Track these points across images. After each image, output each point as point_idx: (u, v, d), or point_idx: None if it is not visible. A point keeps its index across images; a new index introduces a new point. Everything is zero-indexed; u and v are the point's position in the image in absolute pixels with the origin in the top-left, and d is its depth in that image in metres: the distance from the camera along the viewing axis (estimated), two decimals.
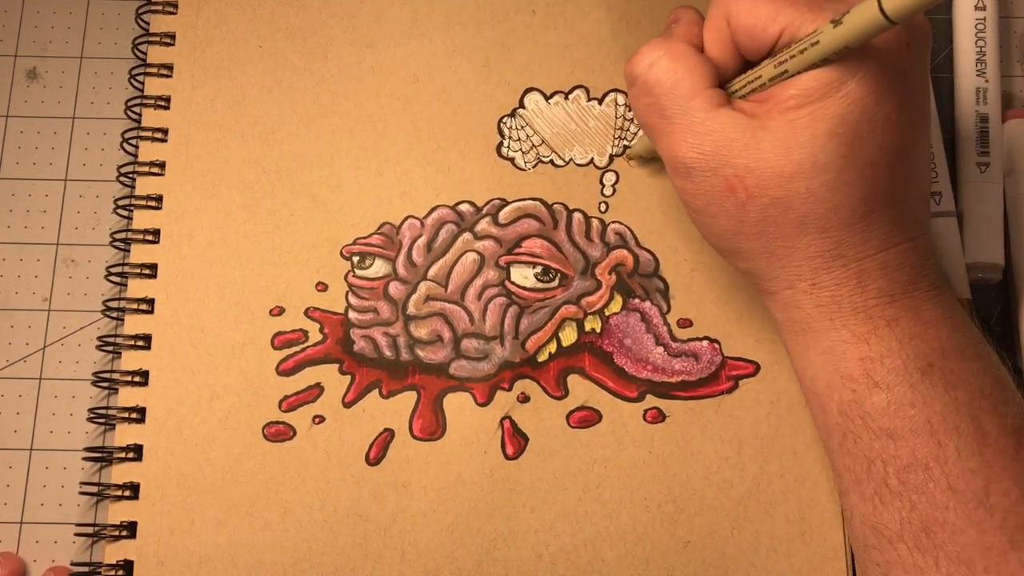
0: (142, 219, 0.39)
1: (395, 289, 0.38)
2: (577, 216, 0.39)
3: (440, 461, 0.36)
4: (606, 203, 0.39)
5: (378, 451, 0.37)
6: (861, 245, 0.29)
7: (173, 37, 0.41)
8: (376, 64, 0.41)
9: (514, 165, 0.39)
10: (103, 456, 0.37)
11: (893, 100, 0.28)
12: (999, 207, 0.39)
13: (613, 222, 0.39)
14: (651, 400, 0.37)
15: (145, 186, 0.39)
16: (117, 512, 0.36)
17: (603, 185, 0.39)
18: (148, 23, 0.41)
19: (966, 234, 0.39)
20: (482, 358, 0.37)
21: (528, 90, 0.40)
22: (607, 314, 0.38)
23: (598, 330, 0.38)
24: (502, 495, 0.36)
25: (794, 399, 0.37)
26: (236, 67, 0.41)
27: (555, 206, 0.39)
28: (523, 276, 0.38)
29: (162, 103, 0.40)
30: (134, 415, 0.37)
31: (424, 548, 0.36)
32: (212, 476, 0.36)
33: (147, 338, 0.38)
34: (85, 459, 0.37)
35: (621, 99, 0.40)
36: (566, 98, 0.40)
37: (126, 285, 0.38)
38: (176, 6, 0.41)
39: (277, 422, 0.37)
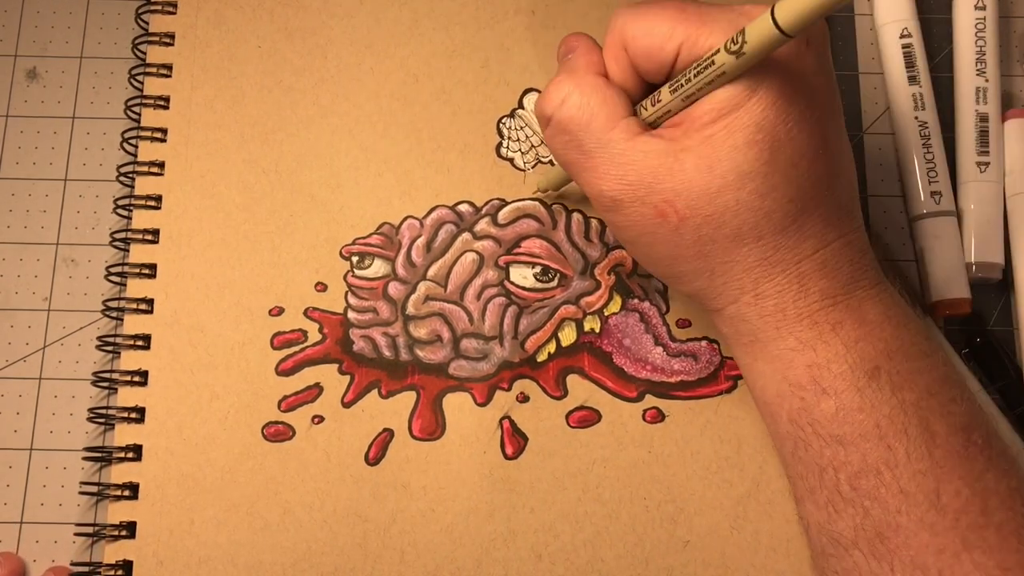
0: (142, 219, 0.39)
1: (394, 289, 0.38)
2: (576, 216, 0.39)
3: (439, 461, 0.36)
4: None
5: (377, 451, 0.37)
6: (798, 247, 0.29)
7: (172, 37, 0.41)
8: (376, 64, 0.41)
9: (513, 165, 0.39)
10: (103, 456, 0.37)
11: (803, 98, 0.29)
12: (999, 207, 0.39)
13: None
14: (650, 400, 0.37)
15: (144, 186, 0.39)
16: (117, 512, 0.36)
17: None
18: (148, 23, 0.41)
19: (966, 234, 0.39)
20: (481, 358, 0.37)
21: (527, 90, 0.40)
22: (606, 314, 0.38)
23: (597, 330, 0.38)
24: (501, 495, 0.36)
25: None
26: (235, 67, 0.41)
27: (554, 206, 0.39)
28: (522, 276, 0.38)
29: (161, 103, 0.40)
30: (134, 415, 0.37)
31: (424, 548, 0.36)
32: (212, 476, 0.36)
33: (147, 338, 0.38)
34: (85, 459, 0.37)
35: None
36: None
37: (126, 285, 0.38)
38: (176, 6, 0.41)
39: (276, 422, 0.37)
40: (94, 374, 0.38)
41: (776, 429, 0.31)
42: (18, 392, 0.38)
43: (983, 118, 0.40)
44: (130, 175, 0.40)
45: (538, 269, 0.38)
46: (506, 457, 0.36)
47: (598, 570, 0.35)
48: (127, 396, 0.37)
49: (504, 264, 0.38)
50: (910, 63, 0.40)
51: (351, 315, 0.38)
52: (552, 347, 0.38)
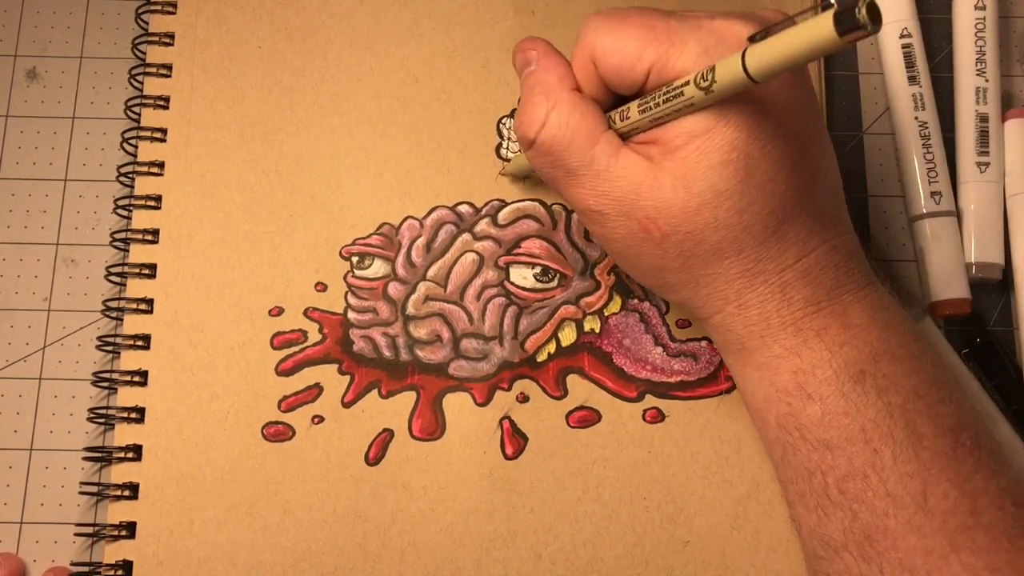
0: (141, 219, 0.39)
1: (394, 289, 0.38)
2: (576, 217, 0.39)
3: (439, 461, 0.36)
4: None
5: (377, 451, 0.37)
6: (779, 258, 0.29)
7: (172, 37, 0.41)
8: (375, 64, 0.41)
9: None
10: (103, 456, 0.37)
11: (776, 112, 0.29)
12: (999, 207, 0.39)
13: None
14: (650, 400, 0.37)
15: (144, 186, 0.39)
16: (117, 512, 0.36)
17: None
18: (147, 23, 0.41)
19: (966, 234, 0.39)
20: (481, 358, 0.37)
21: None
22: (606, 314, 0.38)
23: (597, 330, 0.38)
24: (501, 495, 0.36)
25: None
26: (235, 67, 0.41)
27: (554, 207, 0.39)
28: (522, 276, 0.38)
29: (161, 103, 0.40)
30: (133, 415, 0.37)
31: (423, 548, 0.36)
32: (211, 476, 0.36)
33: (146, 338, 0.38)
34: (85, 459, 0.37)
35: None
36: None
37: (126, 285, 0.38)
38: (175, 6, 0.41)
39: (276, 422, 0.37)
40: (94, 374, 0.38)
41: (766, 434, 0.31)
42: (18, 392, 0.38)
43: (983, 118, 0.40)
44: (130, 175, 0.40)
45: (538, 269, 0.38)
46: (506, 457, 0.36)
47: (598, 570, 0.35)
48: (127, 396, 0.37)
49: (504, 264, 0.38)
50: (910, 63, 0.40)
51: (351, 315, 0.38)
52: (552, 347, 0.38)
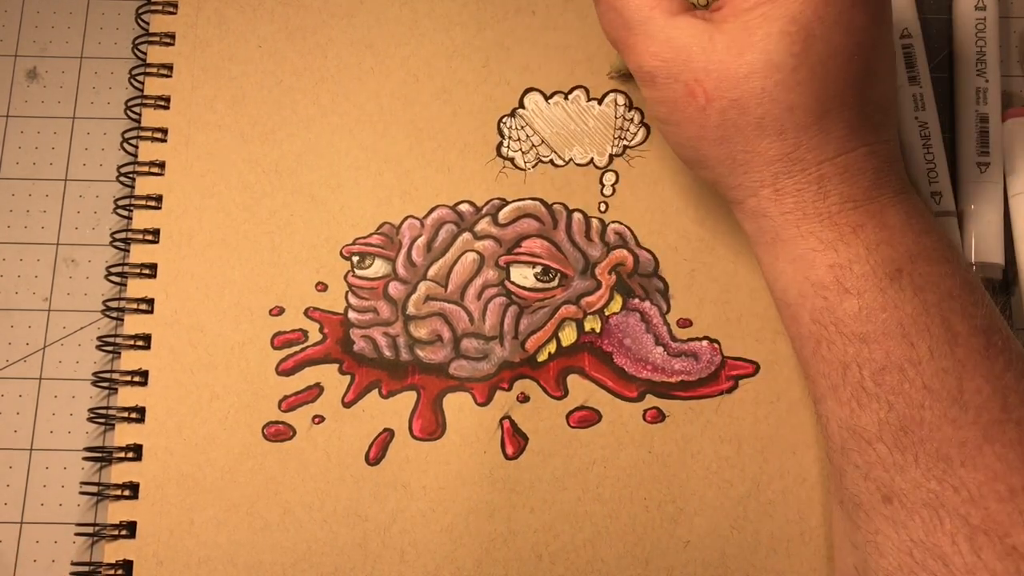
0: (142, 219, 0.39)
1: (395, 289, 0.38)
2: (577, 216, 0.39)
3: (440, 461, 0.36)
4: (606, 203, 0.39)
5: (378, 451, 0.37)
6: (819, 149, 0.30)
7: (173, 37, 0.41)
8: (376, 64, 0.41)
9: (514, 165, 0.39)
10: (103, 456, 0.37)
11: (846, 2, 0.29)
12: (999, 207, 0.39)
13: (613, 222, 0.39)
14: (651, 400, 0.37)
15: (145, 186, 0.39)
16: (117, 512, 0.36)
17: (603, 185, 0.39)
18: (148, 23, 0.41)
19: (966, 234, 0.39)
20: (482, 358, 0.37)
21: (528, 90, 0.40)
22: (607, 314, 0.38)
23: (598, 330, 0.38)
24: (502, 495, 0.36)
25: (794, 399, 0.37)
26: (236, 67, 0.41)
27: (555, 206, 0.39)
28: (523, 276, 0.38)
29: (162, 103, 0.40)
30: (134, 415, 0.37)
31: (424, 548, 0.36)
32: (212, 476, 0.36)
33: (147, 338, 0.38)
34: (85, 459, 0.37)
35: (621, 99, 0.40)
36: (566, 98, 0.40)
37: (126, 285, 0.38)
38: (176, 6, 0.41)
39: (277, 422, 0.37)
40: (94, 374, 0.38)
41: (798, 330, 0.31)
42: (18, 392, 0.38)
43: (983, 118, 0.40)
44: (130, 175, 0.40)
45: (539, 269, 0.38)
46: (506, 457, 0.36)
47: (598, 570, 0.35)
48: (127, 396, 0.37)
49: (505, 264, 0.38)
50: (910, 63, 0.40)
51: (351, 315, 0.38)
52: (552, 347, 0.38)
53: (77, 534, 0.37)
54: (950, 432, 0.28)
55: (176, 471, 0.36)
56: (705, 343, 0.38)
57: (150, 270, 0.38)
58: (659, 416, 0.37)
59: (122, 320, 0.38)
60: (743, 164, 0.31)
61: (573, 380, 0.37)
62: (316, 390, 0.37)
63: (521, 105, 0.40)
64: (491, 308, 0.38)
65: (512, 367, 0.37)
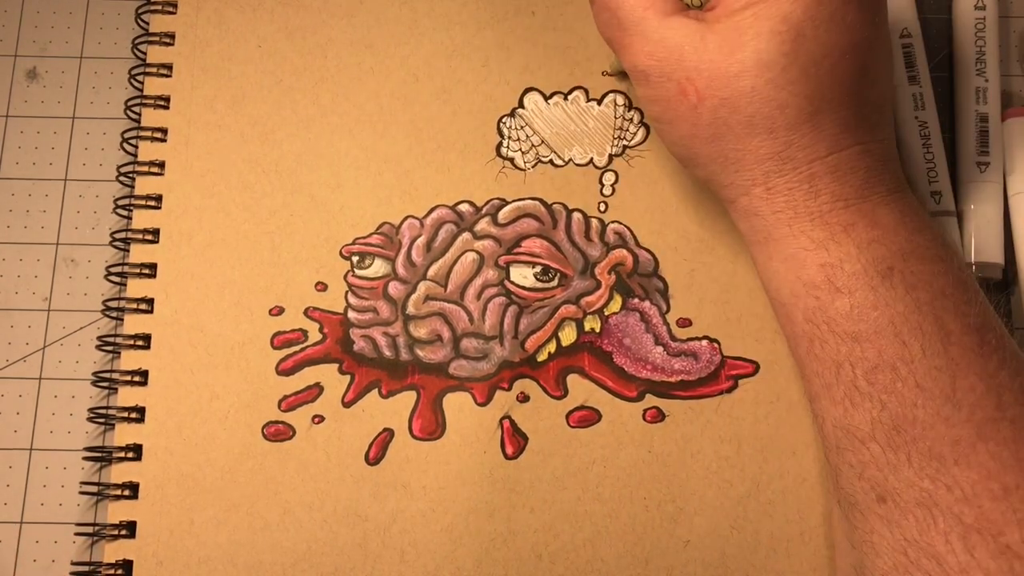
0: (142, 219, 0.39)
1: (394, 289, 0.38)
2: (576, 216, 0.39)
3: (439, 461, 0.36)
4: (605, 203, 0.39)
5: (377, 451, 0.37)
6: (810, 147, 0.30)
7: (173, 37, 0.41)
8: (376, 64, 0.41)
9: (514, 165, 0.40)
10: (103, 456, 0.37)
11: (838, 0, 0.29)
12: (999, 206, 0.39)
13: (612, 222, 0.39)
14: (650, 400, 0.37)
15: (145, 186, 0.39)
16: (117, 512, 0.36)
17: (602, 185, 0.39)
18: (148, 23, 0.41)
19: (966, 234, 0.39)
20: (481, 358, 0.37)
21: (527, 90, 0.40)
22: (606, 314, 0.38)
23: (597, 330, 0.38)
24: (502, 495, 0.36)
25: (794, 399, 0.37)
26: (235, 67, 0.41)
27: (554, 206, 0.39)
28: (522, 276, 0.38)
29: (162, 103, 0.40)
30: (134, 415, 0.37)
31: (424, 548, 0.36)
32: (212, 476, 0.36)
33: (147, 338, 0.38)
34: (85, 459, 0.37)
35: (620, 100, 0.40)
36: (565, 98, 0.40)
37: (126, 285, 0.38)
38: (176, 6, 0.41)
39: (277, 422, 0.37)
40: (94, 374, 0.38)
41: (792, 329, 0.32)
42: (18, 392, 0.38)
43: (983, 118, 0.40)
44: (130, 175, 0.40)
45: (538, 269, 0.38)
46: (506, 457, 0.36)
47: (598, 570, 0.35)
48: (127, 396, 0.37)
49: (504, 264, 0.38)
50: (910, 63, 0.40)
51: (351, 315, 0.38)
52: (552, 347, 0.38)
53: (77, 534, 0.37)
54: (943, 431, 0.28)
55: (176, 471, 0.36)
56: (705, 343, 0.38)
57: (150, 270, 0.38)
58: (659, 416, 0.37)
59: (122, 320, 0.38)
60: (735, 162, 0.31)
61: (573, 380, 0.37)
62: (316, 390, 0.37)
63: (521, 105, 0.40)
64: (491, 308, 0.38)
65: (512, 367, 0.37)
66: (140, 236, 0.39)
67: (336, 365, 0.37)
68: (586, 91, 0.40)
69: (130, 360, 0.37)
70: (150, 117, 0.40)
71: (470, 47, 0.41)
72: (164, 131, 0.40)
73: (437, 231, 0.39)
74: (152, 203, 0.39)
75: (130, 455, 0.36)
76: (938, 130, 0.40)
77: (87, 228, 0.40)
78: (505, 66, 0.41)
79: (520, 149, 0.40)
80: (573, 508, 0.36)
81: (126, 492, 0.36)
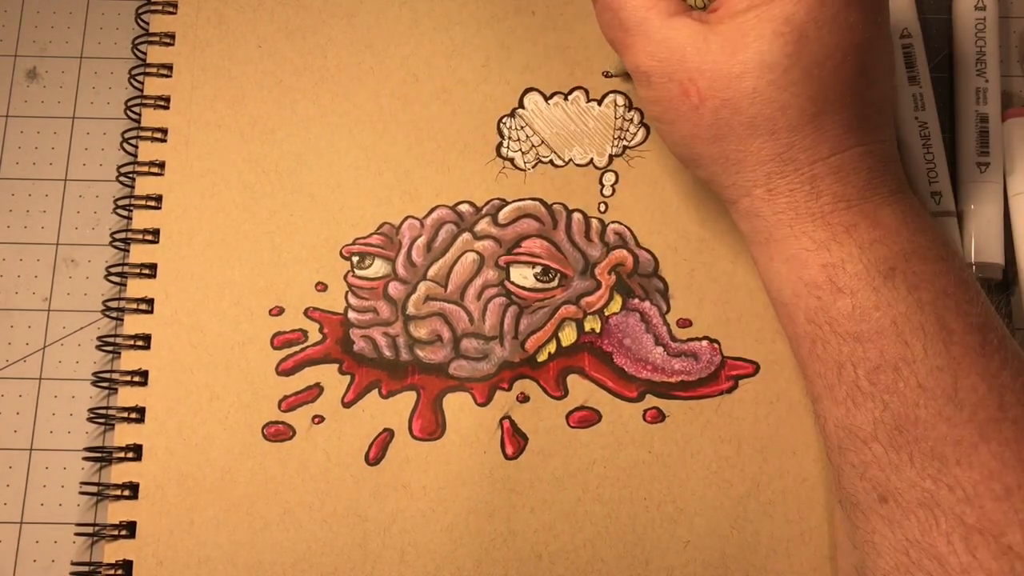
0: (142, 219, 0.39)
1: (395, 289, 0.38)
2: (577, 216, 0.39)
3: (439, 461, 0.36)
4: (605, 203, 0.39)
5: (377, 451, 0.37)
6: (812, 149, 0.30)
7: (173, 37, 0.41)
8: (376, 64, 0.41)
9: (514, 165, 0.40)
10: (103, 456, 0.37)
11: (841, 2, 0.29)
12: (999, 207, 0.39)
13: (613, 222, 0.39)
14: (651, 400, 0.37)
15: (145, 186, 0.39)
16: (117, 512, 0.36)
17: (602, 185, 0.39)
18: (148, 23, 0.41)
19: (966, 234, 0.39)
20: (482, 358, 0.37)
21: (528, 90, 0.40)
22: (607, 314, 0.38)
23: (598, 330, 0.38)
24: (502, 495, 0.36)
25: (794, 399, 0.37)
26: (236, 67, 0.41)
27: (555, 206, 0.39)
28: (523, 276, 0.38)
29: (162, 103, 0.40)
30: (134, 415, 0.37)
31: (423, 548, 0.36)
32: (212, 476, 0.36)
33: (147, 338, 0.38)
34: (85, 459, 0.37)
35: (620, 100, 0.40)
36: (565, 99, 0.40)
37: (126, 285, 0.38)
38: (176, 6, 0.41)
39: (277, 422, 0.37)
40: (94, 374, 0.38)
41: (793, 330, 0.32)
42: (18, 392, 0.38)
43: (983, 118, 0.40)
44: (130, 175, 0.40)
45: (538, 269, 0.38)
46: (506, 457, 0.36)
47: (598, 570, 0.35)
48: (127, 396, 0.37)
49: (504, 264, 0.38)
50: (910, 63, 0.40)
51: (351, 315, 0.38)
52: (552, 347, 0.38)
53: (77, 534, 0.37)
54: (945, 431, 0.28)
55: (176, 471, 0.36)
56: (705, 343, 0.38)
57: (150, 270, 0.38)
58: (659, 416, 0.37)
59: (122, 320, 0.38)
60: (736, 163, 0.31)
61: (573, 380, 0.37)
62: (316, 390, 0.37)
63: (521, 105, 0.40)
64: (491, 308, 0.38)
65: (512, 367, 0.37)
66: (140, 236, 0.39)
67: (336, 365, 0.37)
68: (586, 91, 0.40)
69: (130, 360, 0.37)
70: (150, 117, 0.40)
71: (470, 47, 0.41)
72: (164, 131, 0.40)
73: (437, 231, 0.39)
74: (152, 203, 0.39)
75: (130, 455, 0.36)
76: (938, 130, 0.40)
77: (87, 228, 0.40)
78: (505, 66, 0.41)
79: (520, 149, 0.40)
80: (573, 508, 0.36)
81: (126, 492, 0.36)
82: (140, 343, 0.38)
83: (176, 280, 0.38)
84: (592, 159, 0.40)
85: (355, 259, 0.38)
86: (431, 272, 0.38)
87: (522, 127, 0.40)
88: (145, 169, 0.39)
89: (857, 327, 0.29)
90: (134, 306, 0.38)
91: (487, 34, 0.41)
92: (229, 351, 0.37)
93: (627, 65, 0.33)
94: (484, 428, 0.37)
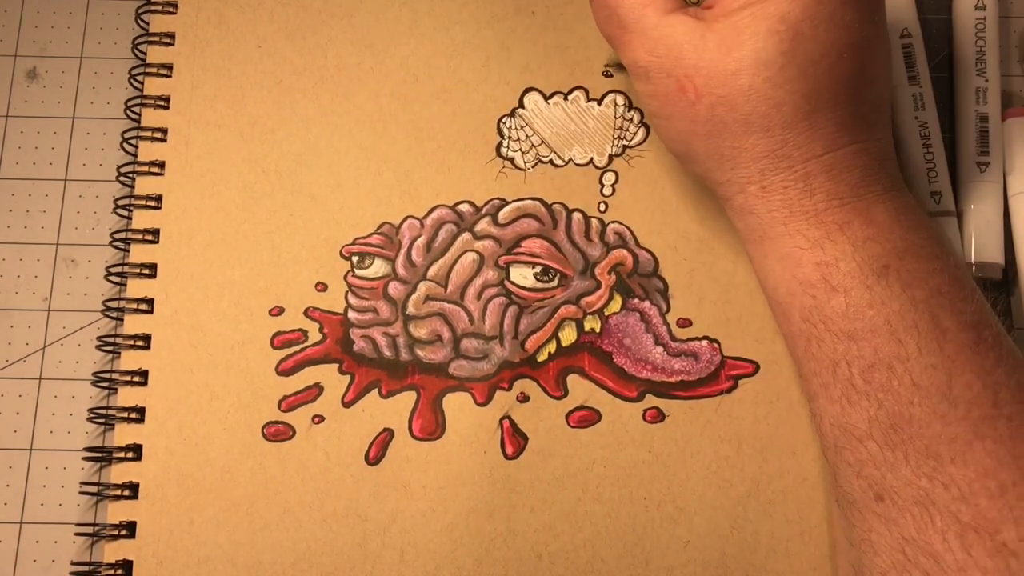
0: (142, 219, 0.39)
1: (394, 289, 0.38)
2: (576, 216, 0.39)
3: (439, 461, 0.36)
4: (605, 203, 0.39)
5: (377, 451, 0.37)
6: (806, 146, 0.30)
7: (173, 37, 0.41)
8: (376, 64, 0.41)
9: (514, 165, 0.40)
10: (103, 456, 0.37)
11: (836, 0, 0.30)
12: (999, 206, 0.39)
13: (612, 222, 0.39)
14: (650, 400, 0.37)
15: (145, 186, 0.39)
16: (117, 512, 0.36)
17: (602, 185, 0.39)
18: (148, 23, 0.41)
19: (966, 234, 0.39)
20: (481, 358, 0.37)
21: (528, 90, 0.40)
22: (606, 314, 0.38)
23: (597, 330, 0.38)
24: (502, 495, 0.36)
25: (794, 399, 0.37)
26: (235, 67, 0.41)
27: (554, 206, 0.39)
28: (522, 276, 0.38)
29: (162, 103, 0.40)
30: (133, 415, 0.37)
31: (423, 548, 0.36)
32: (211, 476, 0.36)
33: (147, 338, 0.38)
34: (85, 459, 0.37)
35: (620, 100, 0.40)
36: (565, 98, 0.40)
37: (126, 285, 0.38)
38: (176, 6, 0.41)
39: (276, 422, 0.37)
40: (94, 374, 0.38)
41: (788, 328, 0.32)
42: (18, 392, 0.38)
43: (983, 118, 0.40)
44: (130, 175, 0.40)
45: (538, 269, 0.38)
46: (506, 457, 0.36)
47: (598, 570, 0.35)
48: (127, 396, 0.37)
49: (504, 264, 0.38)
50: (910, 63, 0.40)
51: (351, 315, 0.38)
52: (552, 347, 0.38)
53: (77, 534, 0.37)
54: (939, 429, 0.28)
55: (176, 471, 0.36)
56: (705, 343, 0.38)
57: (150, 270, 0.38)
58: (659, 416, 0.37)
59: (122, 320, 0.38)
60: (731, 160, 0.31)
61: (573, 380, 0.37)
62: (316, 390, 0.37)
63: (521, 105, 0.40)
64: (491, 308, 0.38)
65: (512, 367, 0.37)
66: (140, 236, 0.39)
67: (336, 365, 0.37)
68: (586, 91, 0.40)
69: (130, 360, 0.37)
70: (150, 117, 0.40)
71: (470, 47, 0.41)
72: (164, 131, 0.40)
73: (437, 231, 0.39)
74: (152, 203, 0.39)
75: (130, 455, 0.36)
76: (938, 130, 0.40)
77: (87, 228, 0.40)
78: (505, 66, 0.41)
79: (520, 149, 0.40)
80: (573, 508, 0.36)
81: (126, 492, 0.36)
82: (140, 343, 0.38)
83: (176, 280, 0.38)
84: (592, 159, 0.40)
85: (355, 259, 0.38)
86: (431, 272, 0.38)
87: (522, 127, 0.40)
88: (145, 169, 0.39)
89: (851, 325, 0.29)
90: (134, 306, 0.38)
91: (487, 34, 0.41)
92: (229, 351, 0.37)
93: (624, 61, 0.33)
94: (484, 428, 0.37)
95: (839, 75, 0.30)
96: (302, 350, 0.37)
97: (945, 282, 0.29)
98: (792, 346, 0.32)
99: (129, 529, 0.36)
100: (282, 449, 0.37)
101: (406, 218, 0.39)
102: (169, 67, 0.41)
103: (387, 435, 0.37)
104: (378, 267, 0.38)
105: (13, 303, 0.39)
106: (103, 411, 0.37)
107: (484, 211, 0.39)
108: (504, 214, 0.39)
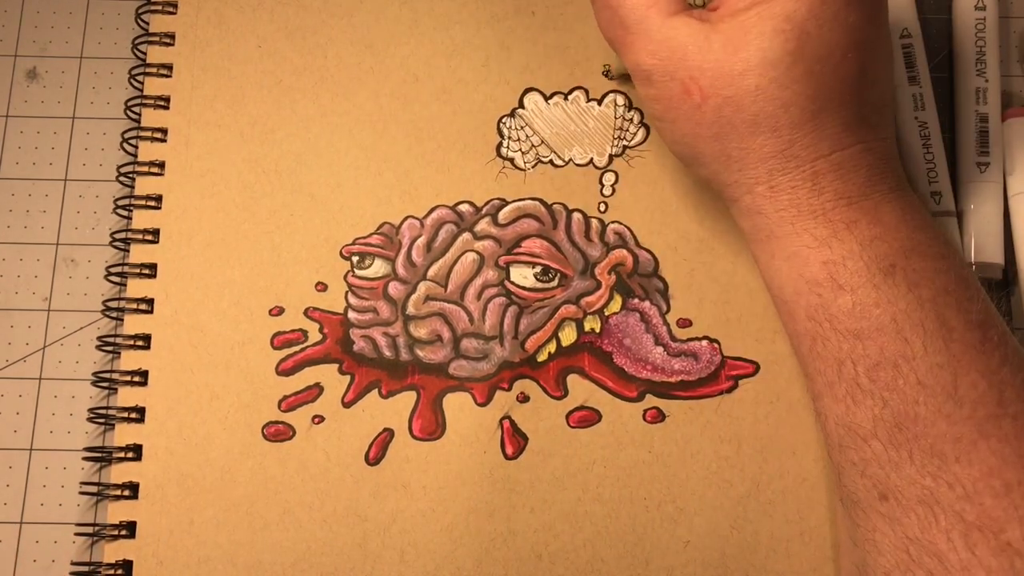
0: (142, 219, 0.39)
1: (395, 289, 0.38)
2: (576, 216, 0.39)
3: (439, 461, 0.36)
4: (605, 203, 0.39)
5: (377, 451, 0.37)
6: (813, 146, 0.30)
7: (173, 37, 0.41)
8: (376, 64, 0.41)
9: (514, 165, 0.40)
10: (103, 456, 0.37)
11: (841, 1, 0.30)
12: (999, 207, 0.39)
13: (613, 222, 0.39)
14: (651, 400, 0.37)
15: (145, 186, 0.39)
16: (117, 512, 0.36)
17: (602, 185, 0.39)
18: (148, 23, 0.41)
19: (966, 234, 0.39)
20: (481, 358, 0.37)
21: (528, 90, 0.40)
22: (607, 314, 0.38)
23: (597, 330, 0.38)
24: (502, 495, 0.36)
25: (794, 399, 0.37)
26: (235, 67, 0.41)
27: (555, 206, 0.39)
28: (522, 276, 0.38)
29: (162, 103, 0.40)
30: (134, 415, 0.37)
31: (423, 548, 0.36)
32: (211, 476, 0.36)
33: (147, 338, 0.38)
34: (85, 459, 0.37)
35: (620, 100, 0.40)
36: (565, 99, 0.40)
37: (126, 285, 0.38)
38: (176, 6, 0.41)
39: (276, 422, 0.37)
40: (94, 374, 0.38)
41: (794, 327, 0.32)
42: (18, 392, 0.38)
43: (983, 118, 0.40)
44: (130, 175, 0.40)
45: (538, 269, 0.38)
46: (506, 457, 0.36)
47: (598, 570, 0.35)
48: (127, 396, 0.37)
49: (504, 264, 0.38)
50: (910, 63, 0.40)
51: (351, 315, 0.38)
52: (552, 347, 0.38)
53: (77, 534, 0.37)
54: (944, 428, 0.28)
55: (176, 471, 0.36)
56: (705, 343, 0.38)
57: (150, 270, 0.38)
58: (659, 416, 0.37)
59: (122, 320, 0.38)
60: (738, 161, 0.31)
61: (573, 380, 0.37)
62: (316, 390, 0.37)
63: (521, 105, 0.40)
64: (491, 308, 0.38)
65: (512, 367, 0.37)
66: (140, 236, 0.39)
67: (336, 365, 0.37)
68: (586, 91, 0.40)
69: (130, 360, 0.37)
70: (150, 117, 0.40)
71: (470, 47, 0.41)
72: (164, 131, 0.40)
73: (437, 231, 0.39)
74: (152, 203, 0.39)
75: (130, 455, 0.36)
76: (938, 130, 0.40)
77: (87, 228, 0.40)
78: (505, 66, 0.41)
79: (520, 149, 0.40)
80: (573, 508, 0.36)
81: (126, 492, 0.36)
82: (140, 343, 0.38)
83: (176, 280, 0.38)
84: (592, 159, 0.40)
85: (355, 259, 0.38)
86: (431, 272, 0.38)
87: (522, 127, 0.40)
88: (145, 169, 0.39)
89: (857, 324, 0.29)
90: (134, 306, 0.38)
91: (487, 34, 0.41)
92: (229, 351, 0.37)
93: (627, 63, 0.33)
94: (484, 428, 0.37)
95: (843, 75, 0.30)
96: (302, 350, 0.37)
97: (951, 281, 0.29)
98: (797, 345, 0.32)
99: (129, 529, 0.36)
100: (282, 449, 0.36)
101: (406, 218, 0.39)
102: (169, 67, 0.41)
103: (387, 435, 0.37)
104: (378, 267, 0.38)
105: (13, 303, 0.39)
106: (103, 411, 0.37)
107: (484, 211, 0.39)
108: (504, 214, 0.39)
